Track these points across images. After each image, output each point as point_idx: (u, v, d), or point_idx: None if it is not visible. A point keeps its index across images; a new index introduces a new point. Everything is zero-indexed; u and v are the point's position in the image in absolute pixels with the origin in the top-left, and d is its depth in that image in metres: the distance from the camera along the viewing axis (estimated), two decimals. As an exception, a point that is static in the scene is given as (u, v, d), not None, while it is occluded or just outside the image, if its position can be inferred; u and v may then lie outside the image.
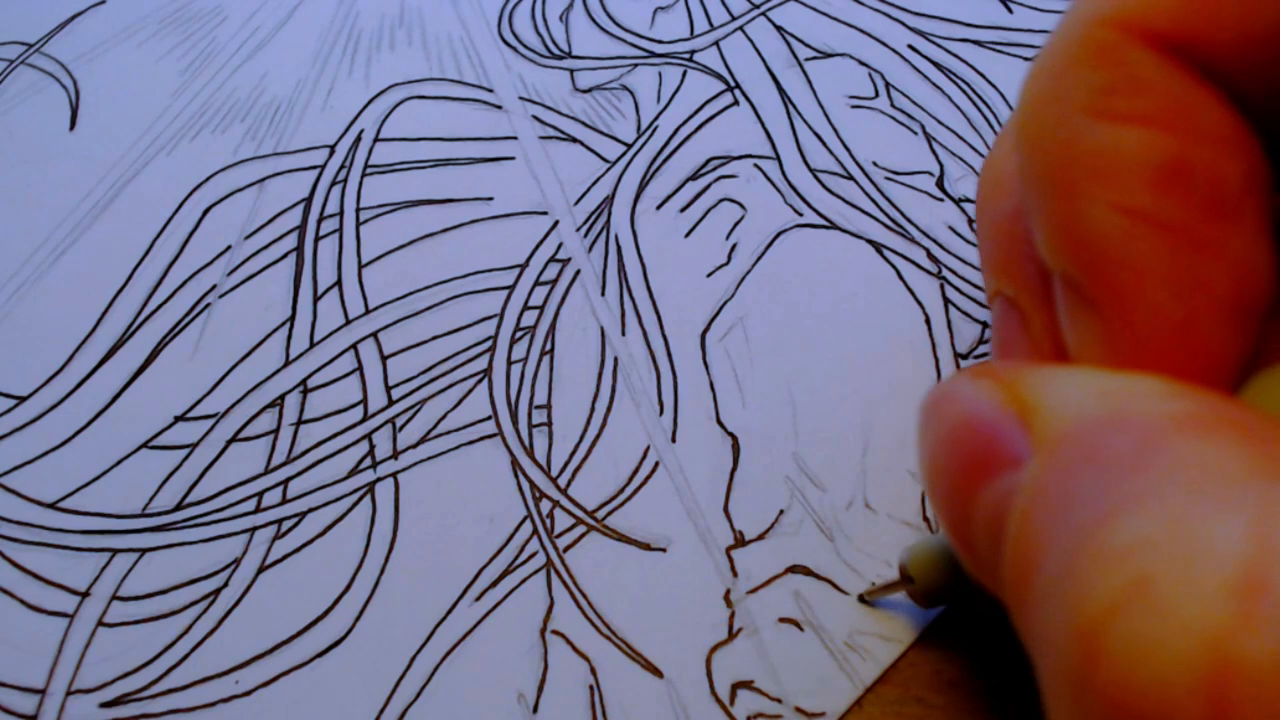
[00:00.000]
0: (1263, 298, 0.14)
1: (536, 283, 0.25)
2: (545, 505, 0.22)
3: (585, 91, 0.29)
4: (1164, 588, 0.09)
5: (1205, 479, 0.10)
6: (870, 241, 0.26)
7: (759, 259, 0.26)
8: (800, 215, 0.26)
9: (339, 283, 0.25)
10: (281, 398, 0.24)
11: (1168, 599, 0.09)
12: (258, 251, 0.26)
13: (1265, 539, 0.09)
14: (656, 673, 0.20)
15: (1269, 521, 0.09)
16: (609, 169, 0.27)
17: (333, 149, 0.28)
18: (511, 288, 0.25)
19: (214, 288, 0.25)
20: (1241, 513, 0.09)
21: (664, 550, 0.22)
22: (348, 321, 0.25)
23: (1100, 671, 0.10)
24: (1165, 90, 0.13)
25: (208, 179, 0.27)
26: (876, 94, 0.28)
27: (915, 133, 0.28)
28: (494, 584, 0.21)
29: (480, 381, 0.24)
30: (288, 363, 0.24)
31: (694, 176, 0.27)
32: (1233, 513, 0.10)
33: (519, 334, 0.25)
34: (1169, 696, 0.09)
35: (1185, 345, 0.13)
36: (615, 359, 0.24)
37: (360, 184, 0.27)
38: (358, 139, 0.28)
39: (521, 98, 0.29)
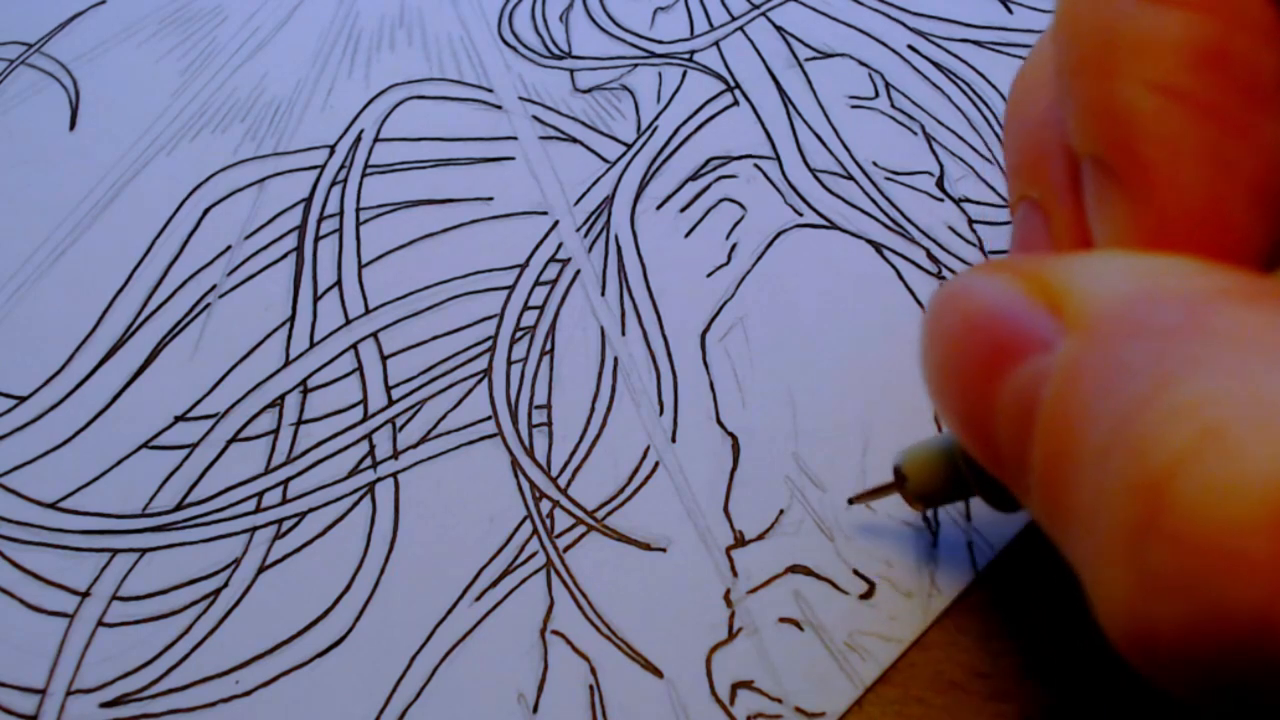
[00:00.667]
0: None
1: (536, 283, 0.25)
2: (545, 505, 0.22)
3: (585, 91, 0.29)
4: (1237, 435, 0.09)
5: (1261, 340, 0.10)
6: (870, 241, 0.26)
7: (759, 259, 0.26)
8: (800, 215, 0.26)
9: (339, 283, 0.25)
10: (281, 398, 0.24)
11: (1242, 445, 0.09)
12: (258, 251, 0.26)
13: None
14: (656, 673, 0.20)
15: None
16: (609, 169, 0.27)
17: (333, 149, 0.28)
18: (511, 288, 0.25)
19: (214, 288, 0.25)
20: None
21: (664, 550, 0.22)
22: (348, 321, 0.25)
23: (1170, 520, 0.10)
24: None
25: (208, 179, 0.27)
26: (876, 94, 0.28)
27: (915, 133, 0.28)
28: (494, 584, 0.21)
29: (480, 381, 0.24)
30: (288, 363, 0.24)
31: (694, 176, 0.27)
32: None
33: (519, 334, 0.25)
34: (1244, 539, 0.09)
35: (1214, 225, 0.13)
36: (615, 359, 0.24)
37: (360, 184, 0.27)
38: (358, 139, 0.28)
39: (521, 98, 0.29)
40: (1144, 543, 0.10)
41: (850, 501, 0.21)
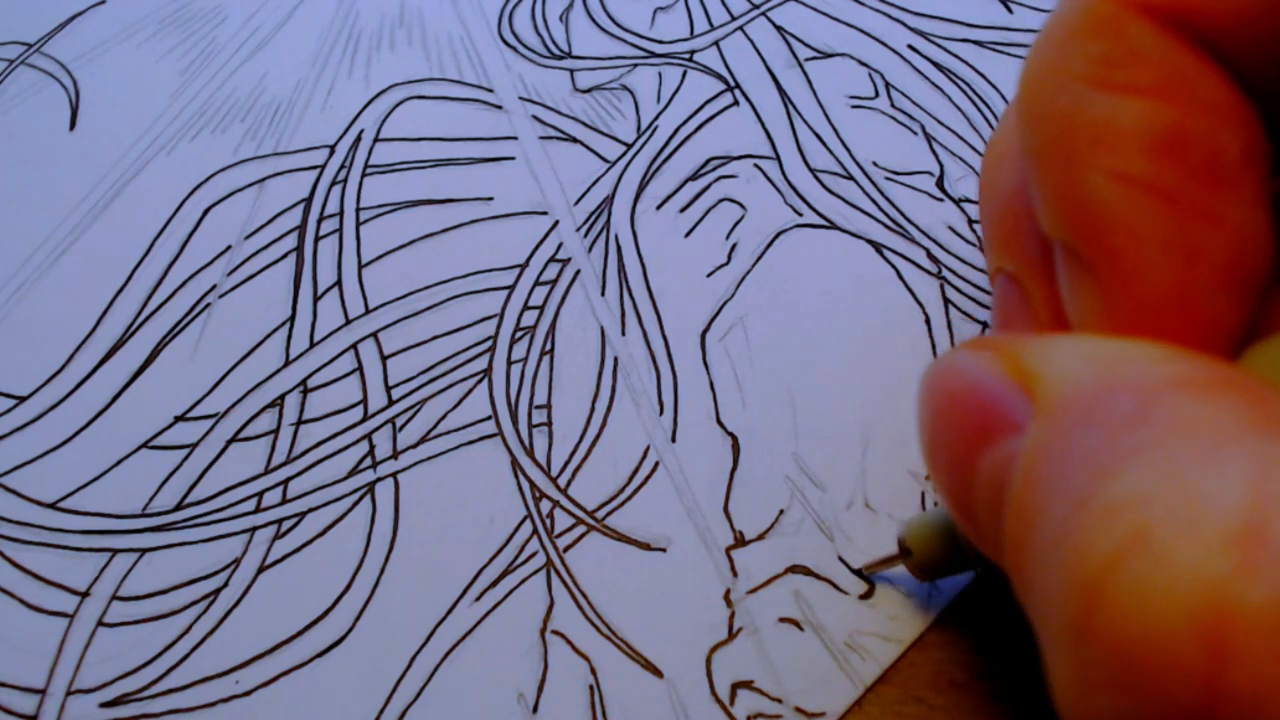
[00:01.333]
0: (1260, 268, 0.14)
1: (536, 283, 0.25)
2: (545, 505, 0.22)
3: (585, 91, 0.29)
4: (1163, 538, 0.10)
5: (1202, 435, 0.10)
6: (870, 241, 0.26)
7: (759, 259, 0.26)
8: (800, 215, 0.26)
9: (339, 283, 0.25)
10: (281, 398, 0.24)
11: (1167, 549, 0.09)
12: (258, 251, 0.26)
13: (1263, 491, 0.09)
14: (656, 673, 0.20)
15: (1266, 475, 0.10)
16: (609, 169, 0.27)
17: (333, 149, 0.28)
18: (511, 288, 0.25)
19: (214, 288, 0.25)
20: (1239, 466, 0.10)
21: (664, 550, 0.22)
22: (348, 321, 0.25)
23: (1101, 621, 0.10)
24: (1164, 61, 0.13)
25: (208, 179, 0.27)
26: (876, 94, 0.28)
27: (915, 133, 0.28)
28: (494, 584, 0.21)
29: (480, 381, 0.24)
30: (288, 363, 0.24)
31: (694, 176, 0.27)
32: (1230, 466, 0.10)
33: (519, 334, 0.25)
34: (1169, 642, 0.09)
35: (1182, 311, 0.13)
36: (615, 359, 0.24)
37: (360, 184, 0.27)
38: (358, 139, 0.28)
39: (521, 98, 0.29)
40: (1081, 640, 0.10)
41: (860, 572, 0.21)
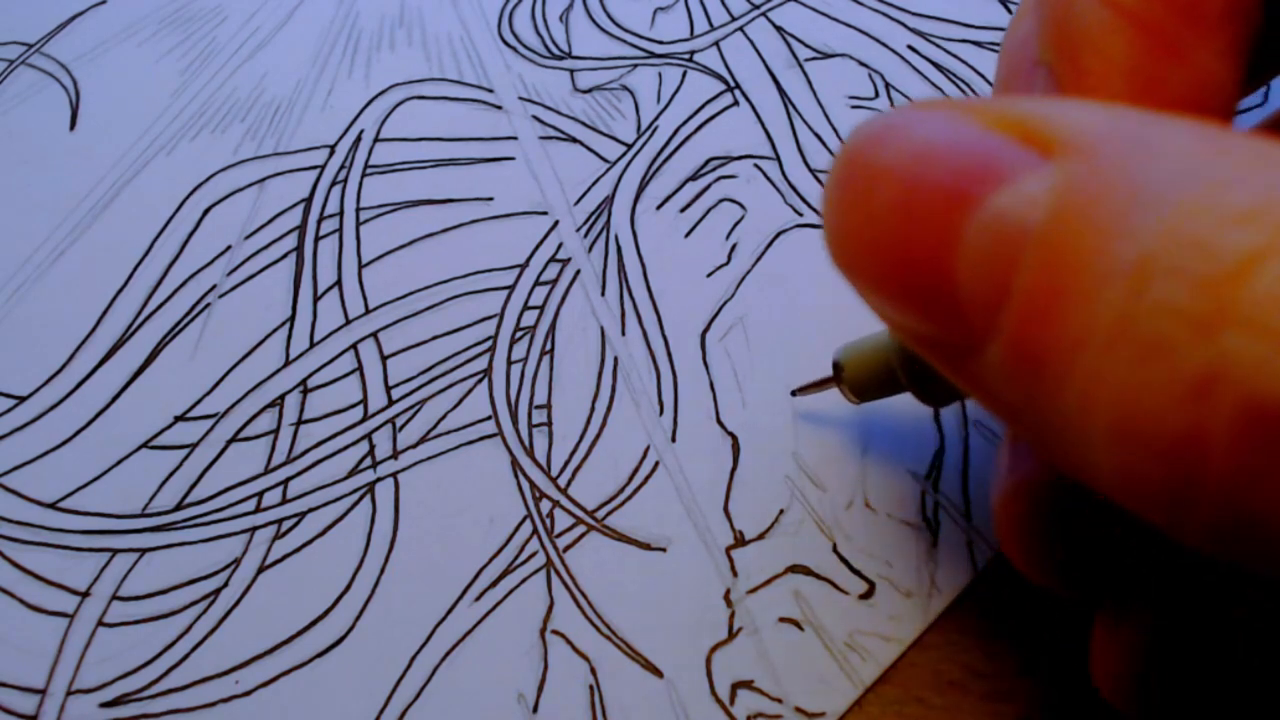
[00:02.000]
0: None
1: (536, 283, 0.25)
2: (545, 505, 0.22)
3: (585, 92, 0.29)
4: None
5: None
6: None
7: (759, 259, 0.26)
8: (800, 215, 0.26)
9: (339, 283, 0.25)
10: (281, 398, 0.24)
11: None
12: (258, 251, 0.26)
13: None
14: (656, 673, 0.20)
15: None
16: (609, 169, 0.27)
17: (333, 149, 0.28)
18: (511, 288, 0.25)
19: (214, 288, 0.25)
20: None
21: (664, 550, 0.22)
22: (348, 321, 0.25)
23: (1242, 308, 0.10)
24: None
25: (208, 179, 0.27)
26: (876, 94, 0.28)
27: (915, 133, 0.28)
28: (494, 584, 0.21)
29: (480, 381, 0.24)
30: (288, 363, 0.24)
31: (694, 177, 0.27)
32: None
33: (519, 334, 0.25)
34: None
35: None
36: (615, 359, 0.24)
37: (360, 184, 0.27)
38: (358, 139, 0.28)
39: (521, 98, 0.29)
40: (1213, 333, 0.10)
41: (793, 393, 0.22)
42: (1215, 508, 0.10)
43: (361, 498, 0.23)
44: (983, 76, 0.29)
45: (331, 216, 0.26)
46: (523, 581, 0.21)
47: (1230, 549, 0.10)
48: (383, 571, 0.22)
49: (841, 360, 0.20)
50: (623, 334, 0.25)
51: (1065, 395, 0.11)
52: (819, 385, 0.22)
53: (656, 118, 0.28)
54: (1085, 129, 0.11)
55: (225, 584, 0.22)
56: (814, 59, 0.29)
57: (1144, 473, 0.10)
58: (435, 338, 0.25)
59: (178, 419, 0.24)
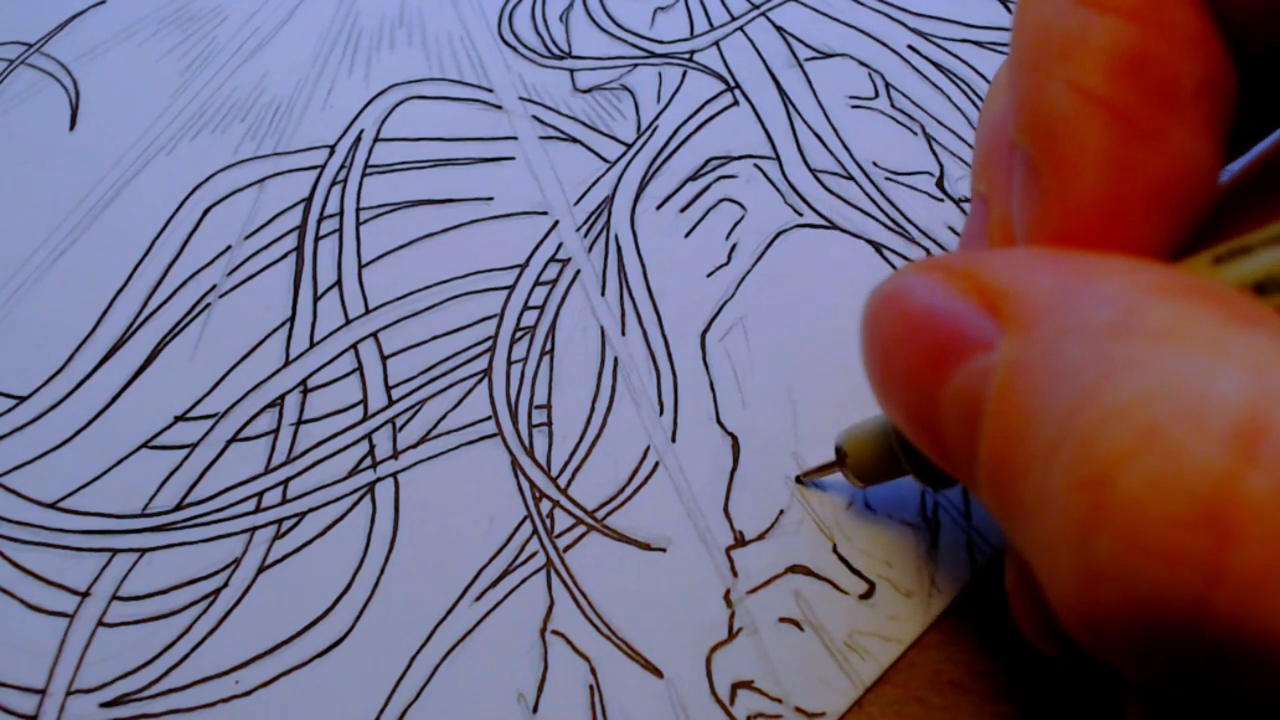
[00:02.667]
0: (1196, 195, 0.15)
1: (536, 283, 0.25)
2: (545, 505, 0.22)
3: (585, 91, 0.29)
4: (1172, 434, 0.10)
5: (1191, 338, 0.11)
6: (870, 241, 0.26)
7: (759, 259, 0.26)
8: (800, 215, 0.26)
9: (339, 283, 0.25)
10: (281, 398, 0.24)
11: (1177, 444, 0.10)
12: (258, 251, 0.26)
13: (1259, 388, 0.10)
14: (656, 673, 0.20)
15: (1260, 372, 0.10)
16: (609, 169, 0.27)
17: (333, 149, 0.28)
18: (511, 288, 0.25)
19: (214, 288, 0.25)
20: (1235, 364, 0.10)
21: (664, 550, 0.22)
22: (348, 321, 0.25)
23: (1110, 514, 0.10)
24: None
25: (208, 179, 0.27)
26: (876, 94, 0.28)
27: (915, 133, 0.28)
28: (494, 584, 0.21)
29: (480, 381, 0.24)
30: (288, 363, 0.24)
31: (694, 176, 0.27)
32: (1226, 365, 0.10)
33: (519, 334, 0.25)
34: (1176, 529, 0.10)
35: (1110, 220, 0.14)
36: (615, 359, 0.24)
37: (360, 184, 0.27)
38: (358, 139, 0.28)
39: (521, 98, 0.29)
40: (1089, 535, 0.11)
41: (798, 480, 0.22)
42: (1131, 667, 0.11)
43: (361, 498, 0.23)
44: (983, 76, 0.29)
45: (331, 216, 0.26)
46: (523, 581, 0.21)
47: (1152, 685, 0.12)
48: (383, 571, 0.22)
49: (844, 445, 0.20)
50: (623, 334, 0.25)
51: (1021, 548, 0.12)
52: (823, 470, 0.22)
53: (656, 118, 0.28)
54: (1029, 299, 0.13)
55: (225, 584, 0.22)
56: (814, 59, 0.29)
57: (1075, 633, 0.12)
58: (435, 338, 0.25)
59: (178, 419, 0.24)
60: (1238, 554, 0.10)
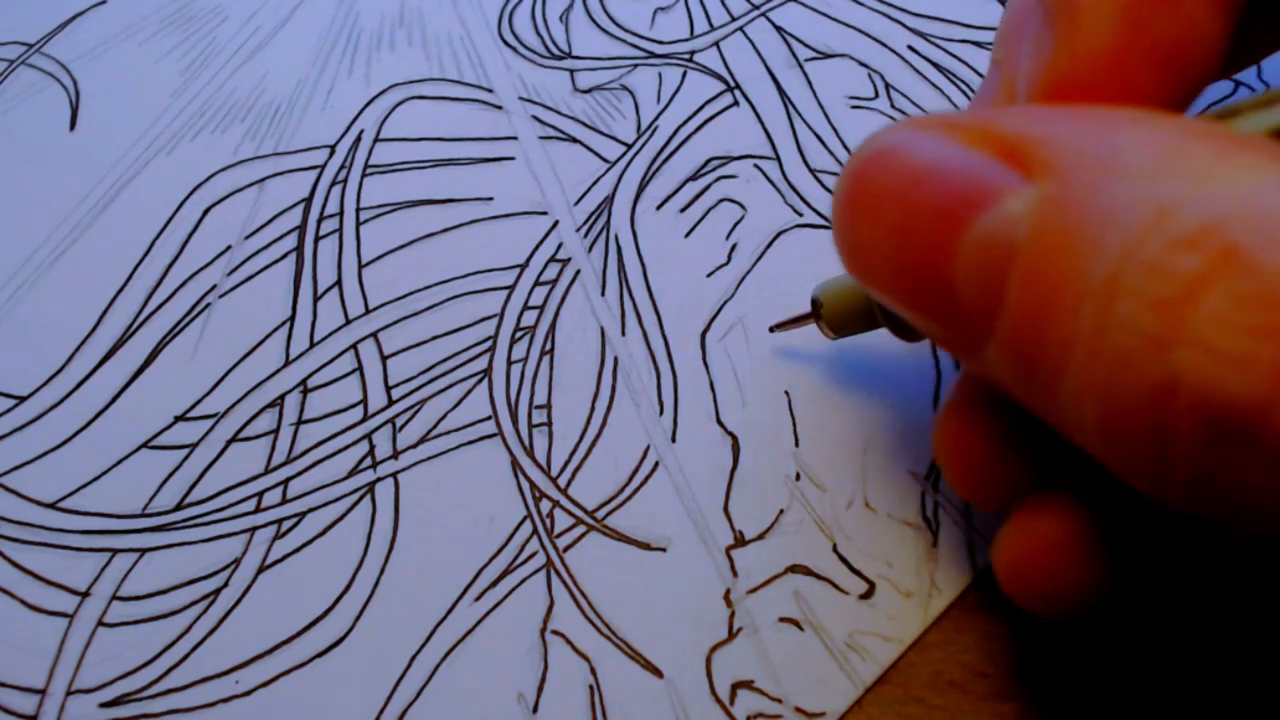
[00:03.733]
0: (1199, 61, 0.15)
1: (536, 283, 0.25)
2: (545, 505, 0.22)
3: (585, 92, 0.29)
4: (1253, 254, 0.11)
5: (1242, 171, 0.11)
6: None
7: (759, 259, 0.26)
8: (800, 215, 0.26)
9: (339, 283, 0.25)
10: (281, 398, 0.24)
11: (1258, 262, 0.11)
12: (258, 251, 0.26)
13: None
14: (656, 673, 0.20)
15: None
16: (609, 169, 0.27)
17: (333, 149, 0.28)
18: (511, 288, 0.25)
19: (214, 288, 0.25)
20: None
21: (664, 550, 0.22)
22: (348, 321, 0.25)
23: (1193, 329, 0.11)
24: None
25: (208, 179, 0.27)
26: (876, 94, 0.28)
27: (915, 133, 0.28)
28: (494, 584, 0.21)
29: (480, 381, 0.24)
30: (288, 363, 0.24)
31: (694, 177, 0.27)
32: None
33: (519, 334, 0.25)
34: (1261, 340, 0.11)
35: (1120, 76, 0.15)
36: (615, 359, 0.24)
37: (360, 184, 0.27)
38: (358, 139, 0.28)
39: (521, 98, 0.29)
40: (1168, 350, 0.11)
41: (771, 329, 0.23)
42: (1184, 486, 0.12)
43: (361, 498, 0.23)
44: (983, 77, 0.28)
45: (331, 216, 0.26)
46: (523, 581, 0.21)
47: (1199, 511, 0.12)
48: (383, 571, 0.22)
49: (820, 297, 0.21)
50: (623, 334, 0.25)
51: (1057, 391, 0.13)
52: (797, 321, 0.22)
53: (656, 118, 0.28)
54: (1060, 146, 0.13)
55: (225, 584, 0.22)
56: (814, 59, 0.29)
57: (1127, 457, 0.12)
58: (435, 338, 0.25)
59: (178, 419, 0.24)
60: None
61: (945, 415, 0.18)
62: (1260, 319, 0.11)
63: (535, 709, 0.20)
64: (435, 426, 0.23)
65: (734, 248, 0.26)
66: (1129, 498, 0.16)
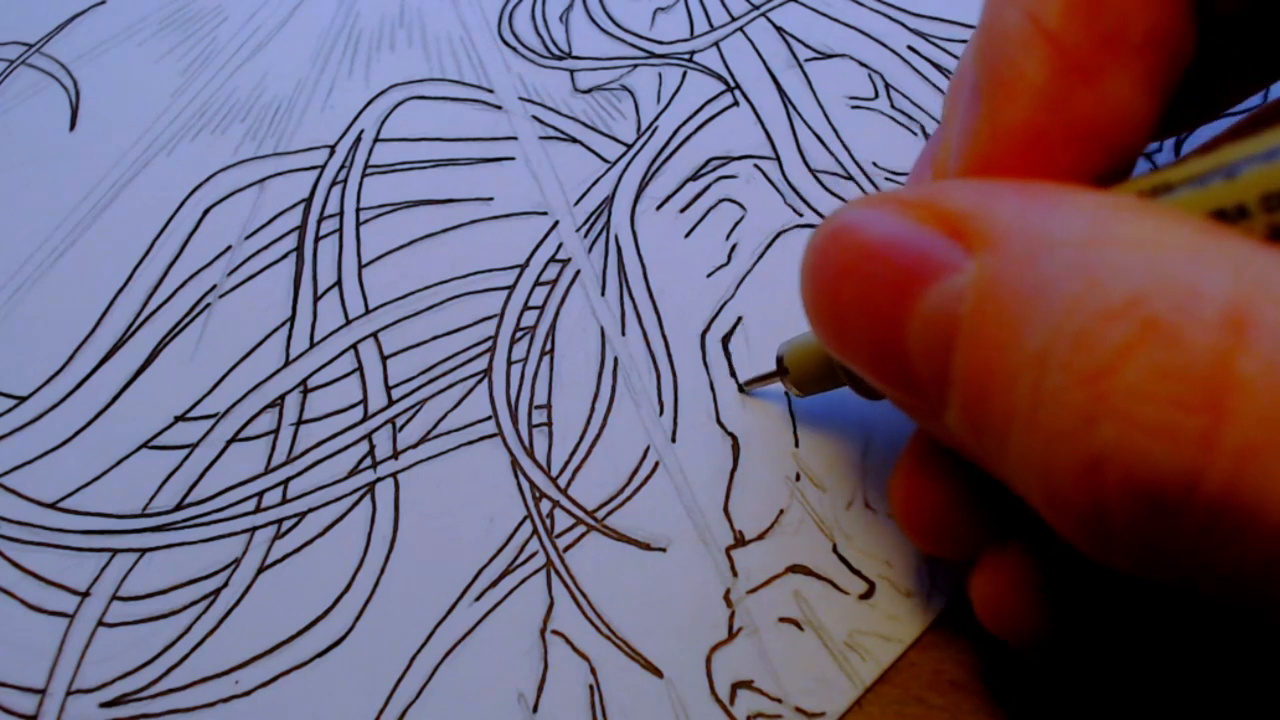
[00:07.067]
0: (1127, 140, 0.15)
1: (536, 283, 0.25)
2: (545, 505, 0.22)
3: (585, 92, 0.29)
4: (1171, 325, 0.11)
5: (1169, 244, 0.12)
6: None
7: (759, 259, 0.26)
8: (800, 215, 0.26)
9: (339, 283, 0.25)
10: (281, 398, 0.24)
11: (1176, 333, 0.11)
12: (258, 251, 0.26)
13: (1243, 280, 0.11)
14: (656, 673, 0.20)
15: (1242, 268, 0.11)
16: (609, 169, 0.27)
17: (333, 149, 0.28)
18: (511, 288, 0.25)
19: (214, 288, 0.25)
20: (1216, 264, 0.11)
21: (664, 550, 0.22)
22: (348, 321, 0.25)
23: (1114, 401, 0.11)
24: None
25: (208, 179, 0.27)
26: (876, 94, 0.28)
27: (915, 133, 0.28)
28: (494, 584, 0.21)
29: (480, 381, 0.24)
30: (288, 363, 0.24)
31: (694, 177, 0.27)
32: (1208, 264, 0.11)
33: (519, 334, 0.25)
34: (1181, 411, 0.11)
35: (1038, 152, 0.15)
36: (615, 359, 0.24)
37: (360, 184, 0.27)
38: (358, 139, 0.28)
39: (521, 98, 0.29)
40: (1093, 424, 0.11)
41: (740, 389, 0.23)
42: (1126, 554, 0.12)
43: (361, 498, 0.23)
44: (983, 77, 0.28)
45: (331, 216, 0.26)
46: (523, 581, 0.21)
47: (1147, 578, 0.13)
48: (383, 571, 0.22)
49: (785, 356, 0.21)
50: (623, 334, 0.25)
51: (1005, 458, 0.13)
52: (765, 379, 0.23)
53: (656, 118, 0.28)
54: (997, 220, 0.13)
55: (225, 584, 0.22)
56: (814, 59, 0.29)
57: (1070, 528, 0.12)
58: (435, 338, 0.25)
59: (178, 419, 0.24)
60: (1231, 430, 0.10)
61: (901, 475, 0.18)
62: (1180, 391, 0.11)
63: (535, 709, 0.20)
64: (435, 426, 0.23)
65: (734, 248, 0.26)
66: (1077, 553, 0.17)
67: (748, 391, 0.23)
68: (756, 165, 0.27)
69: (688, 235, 0.26)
